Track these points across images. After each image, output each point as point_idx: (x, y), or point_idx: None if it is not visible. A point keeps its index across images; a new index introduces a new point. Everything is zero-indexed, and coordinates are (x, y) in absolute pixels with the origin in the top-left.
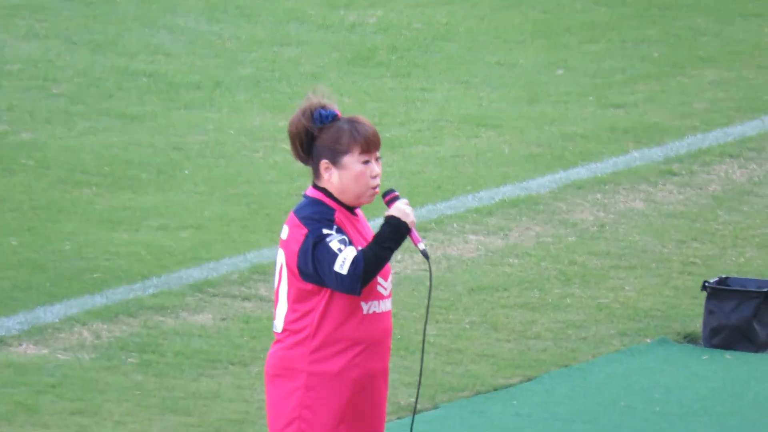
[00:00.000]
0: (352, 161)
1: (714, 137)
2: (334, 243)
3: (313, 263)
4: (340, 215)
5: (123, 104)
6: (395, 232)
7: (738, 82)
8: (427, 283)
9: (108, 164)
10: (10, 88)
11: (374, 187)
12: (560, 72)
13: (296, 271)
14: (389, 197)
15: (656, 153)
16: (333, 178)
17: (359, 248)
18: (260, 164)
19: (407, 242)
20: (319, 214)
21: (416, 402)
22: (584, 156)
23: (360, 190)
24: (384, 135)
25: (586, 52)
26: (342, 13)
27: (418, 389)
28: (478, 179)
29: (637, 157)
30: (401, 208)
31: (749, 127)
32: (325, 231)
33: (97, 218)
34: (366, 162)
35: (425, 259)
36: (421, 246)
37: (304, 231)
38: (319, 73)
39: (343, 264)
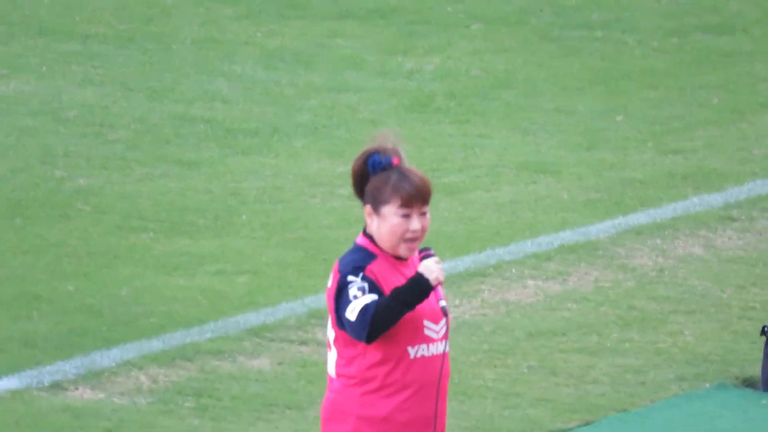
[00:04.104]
0: (391, 213)
1: None
2: (353, 290)
3: (336, 309)
4: (381, 261)
5: (180, 150)
6: (415, 287)
7: None
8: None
9: (165, 210)
10: (66, 135)
11: (410, 240)
12: (619, 119)
13: (333, 317)
14: (422, 255)
15: (715, 199)
16: (374, 224)
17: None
18: (317, 210)
19: (471, 288)
20: (352, 262)
21: None
22: (643, 202)
23: (394, 242)
24: (442, 181)
25: (644, 98)
26: (400, 59)
27: None
28: (537, 225)
29: (697, 202)
30: (427, 266)
31: None
32: (351, 278)
33: (153, 264)
34: (406, 216)
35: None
36: (442, 303)
37: (338, 277)
38: (376, 119)
39: (353, 310)
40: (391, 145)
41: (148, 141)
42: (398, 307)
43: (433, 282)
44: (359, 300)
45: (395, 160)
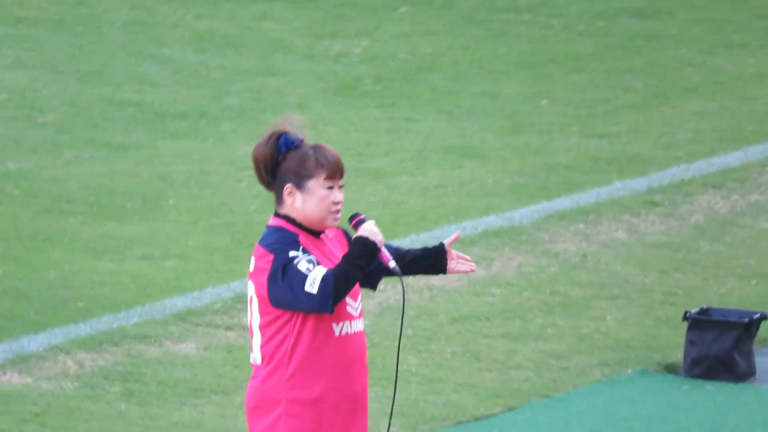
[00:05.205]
0: (317, 186)
1: (697, 168)
2: (302, 264)
3: (283, 287)
4: (303, 239)
5: (109, 134)
6: (364, 250)
7: (721, 112)
8: (408, 312)
9: (93, 194)
10: None
11: (335, 212)
12: (544, 102)
13: (267, 298)
14: (356, 220)
15: (639, 183)
16: (296, 202)
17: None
18: (244, 194)
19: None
20: (283, 239)
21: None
22: (567, 186)
23: (322, 214)
24: (368, 165)
25: (570, 82)
26: (327, 43)
27: (391, 416)
28: (462, 209)
29: (620, 187)
30: (369, 228)
31: (732, 158)
32: (292, 253)
33: (82, 247)
34: (330, 188)
35: (399, 277)
36: (391, 264)
37: (271, 257)
38: (304, 103)
39: (313, 283)
40: (296, 126)
41: (78, 124)
42: (354, 272)
43: (379, 244)
44: (314, 272)
45: (303, 139)
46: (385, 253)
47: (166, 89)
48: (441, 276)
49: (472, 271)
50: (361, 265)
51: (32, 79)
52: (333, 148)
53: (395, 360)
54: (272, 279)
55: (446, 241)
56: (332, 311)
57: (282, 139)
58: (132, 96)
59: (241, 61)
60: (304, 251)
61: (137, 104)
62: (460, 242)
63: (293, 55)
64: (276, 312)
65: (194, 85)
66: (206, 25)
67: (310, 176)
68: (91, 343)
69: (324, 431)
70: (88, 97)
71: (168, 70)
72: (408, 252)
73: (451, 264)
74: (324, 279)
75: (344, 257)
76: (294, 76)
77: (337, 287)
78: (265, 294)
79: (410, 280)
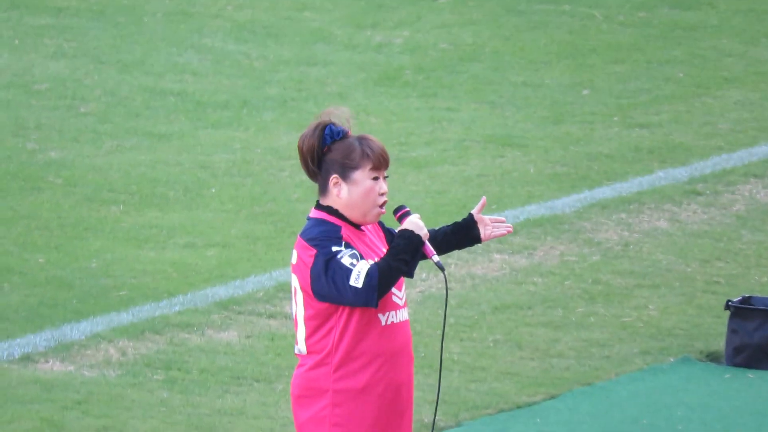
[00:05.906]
0: (363, 177)
1: (738, 157)
2: (345, 259)
3: (327, 282)
4: (346, 231)
5: (150, 123)
6: (409, 245)
7: (762, 102)
8: (450, 301)
9: (135, 183)
10: (38, 107)
11: (381, 205)
12: (586, 92)
13: (311, 292)
14: (401, 213)
15: (681, 173)
16: (342, 193)
17: (371, 261)
18: (286, 183)
19: (429, 261)
20: (325, 233)
21: (434, 418)
22: (609, 176)
23: (367, 206)
24: (410, 154)
25: (611, 72)
26: (368, 33)
27: (437, 405)
28: (503, 198)
29: (662, 176)
30: (414, 222)
31: None
32: (335, 248)
33: (123, 236)
34: (375, 179)
35: (441, 272)
36: (435, 258)
37: (313, 252)
38: (345, 93)
39: (358, 277)
40: (341, 118)
41: (119, 114)
42: (400, 267)
43: (424, 238)
44: (359, 267)
45: (348, 130)
46: (429, 247)
47: (207, 79)
48: (484, 264)
49: (509, 232)
50: (406, 260)
51: (74, 69)
52: (378, 139)
53: (437, 349)
54: (315, 274)
55: (474, 210)
56: (377, 305)
57: (327, 130)
58: (173, 86)
59: (282, 50)
60: (347, 245)
61: (179, 94)
62: None
63: (334, 45)
64: (321, 305)
65: (235, 74)
66: (247, 15)
67: (356, 167)
68: (134, 331)
69: (370, 420)
70: (129, 86)
71: (209, 60)
72: (438, 231)
73: (487, 231)
74: (368, 274)
75: (388, 251)
76: (335, 66)
77: (381, 282)
78: (308, 288)
79: (452, 269)
